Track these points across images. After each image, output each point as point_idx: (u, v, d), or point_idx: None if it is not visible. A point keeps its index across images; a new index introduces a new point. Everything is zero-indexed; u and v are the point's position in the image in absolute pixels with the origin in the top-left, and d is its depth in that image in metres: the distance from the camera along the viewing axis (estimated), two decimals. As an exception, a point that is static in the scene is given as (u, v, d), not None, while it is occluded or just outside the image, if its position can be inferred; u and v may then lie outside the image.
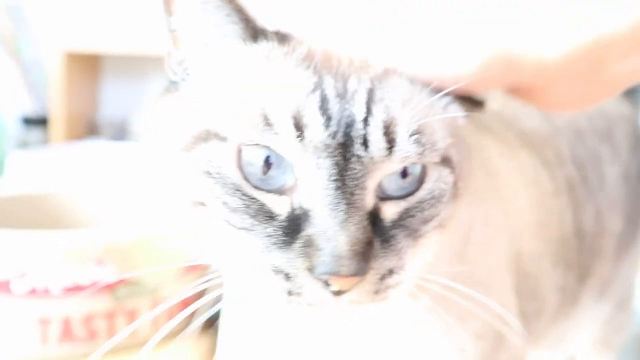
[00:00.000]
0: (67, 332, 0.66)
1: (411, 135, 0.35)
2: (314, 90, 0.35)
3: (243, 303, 0.61)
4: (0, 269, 0.65)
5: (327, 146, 0.35)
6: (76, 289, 0.66)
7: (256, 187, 0.36)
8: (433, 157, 0.37)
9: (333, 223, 0.34)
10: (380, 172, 0.36)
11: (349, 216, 0.34)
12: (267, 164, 0.35)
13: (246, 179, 0.36)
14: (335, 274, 0.33)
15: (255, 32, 0.39)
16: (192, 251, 0.52)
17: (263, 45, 0.39)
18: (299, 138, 0.34)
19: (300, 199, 0.36)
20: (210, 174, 0.36)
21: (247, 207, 0.36)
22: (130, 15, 1.95)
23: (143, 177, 1.28)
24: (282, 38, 0.39)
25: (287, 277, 0.35)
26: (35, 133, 2.03)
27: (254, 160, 0.36)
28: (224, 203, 0.36)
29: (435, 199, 0.38)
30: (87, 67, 2.09)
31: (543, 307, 0.51)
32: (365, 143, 0.35)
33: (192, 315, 0.75)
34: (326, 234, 0.34)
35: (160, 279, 0.71)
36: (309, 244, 0.34)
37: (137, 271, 0.69)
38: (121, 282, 0.68)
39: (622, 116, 0.66)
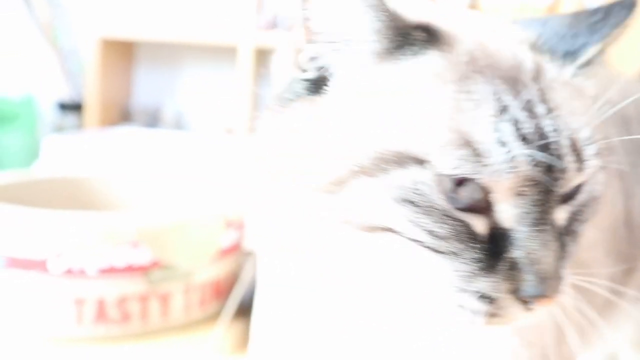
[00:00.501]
0: (101, 313, 0.67)
1: (590, 144, 0.35)
2: (503, 109, 0.34)
3: (280, 291, 0.60)
4: (37, 248, 0.65)
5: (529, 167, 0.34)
6: (111, 270, 0.66)
7: (457, 209, 0.34)
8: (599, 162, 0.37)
9: (537, 244, 0.34)
10: (570, 186, 0.36)
11: (550, 236, 0.34)
12: (459, 181, 0.34)
13: (449, 201, 0.34)
14: (542, 295, 0.34)
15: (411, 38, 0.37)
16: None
17: (429, 54, 0.36)
18: (501, 160, 0.33)
19: (498, 219, 0.35)
20: (410, 201, 0.34)
21: (455, 231, 0.34)
22: (165, 2, 1.96)
23: (177, 164, 1.28)
24: (435, 36, 0.37)
25: (490, 300, 0.34)
26: (70, 118, 2.06)
27: (451, 180, 0.34)
28: (429, 231, 0.34)
29: (594, 199, 0.38)
30: (122, 54, 2.11)
31: (592, 300, 0.49)
32: (560, 158, 0.34)
33: (225, 301, 0.75)
34: (531, 257, 0.34)
35: (193, 264, 0.71)
36: (513, 267, 0.34)
37: (171, 255, 0.70)
38: (155, 265, 0.68)
39: None
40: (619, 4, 0.41)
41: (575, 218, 0.37)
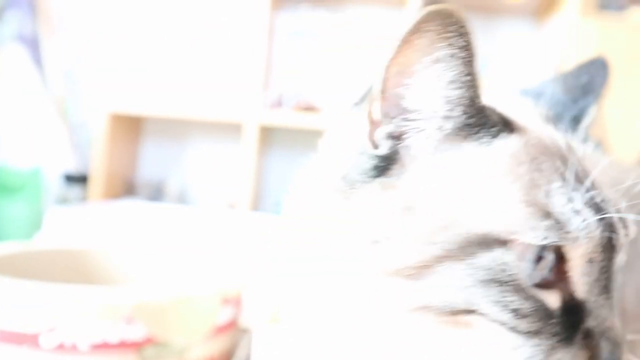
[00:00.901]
0: (91, 390, 0.65)
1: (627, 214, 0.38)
2: (567, 183, 0.37)
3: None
4: (30, 322, 0.65)
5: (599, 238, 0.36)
6: (104, 346, 0.65)
7: (535, 285, 0.36)
8: None
9: (607, 312, 0.36)
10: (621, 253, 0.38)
11: (614, 302, 0.37)
12: (538, 257, 0.36)
13: (530, 278, 0.36)
14: None
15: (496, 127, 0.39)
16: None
17: (507, 138, 0.38)
18: (580, 227, 0.36)
19: (572, 289, 0.37)
20: (496, 281, 0.35)
21: (535, 307, 0.35)
22: (173, 79, 2.01)
23: (179, 239, 1.29)
24: (509, 121, 0.39)
25: None
26: (75, 190, 2.07)
27: (532, 255, 0.36)
28: (513, 310, 0.35)
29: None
30: (130, 128, 2.15)
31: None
32: (615, 229, 0.37)
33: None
34: (604, 324, 0.35)
35: (188, 340, 0.70)
36: (588, 336, 0.35)
37: (165, 331, 0.68)
38: (149, 341, 0.67)
39: None
40: (594, 63, 0.43)
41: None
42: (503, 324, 0.35)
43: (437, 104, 0.37)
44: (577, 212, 0.35)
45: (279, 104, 1.92)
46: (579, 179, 0.37)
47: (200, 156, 2.19)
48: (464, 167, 0.37)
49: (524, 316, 0.35)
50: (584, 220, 0.35)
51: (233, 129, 2.03)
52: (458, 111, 0.37)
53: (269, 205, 1.95)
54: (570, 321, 0.35)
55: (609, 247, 0.36)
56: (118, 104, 1.98)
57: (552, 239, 0.35)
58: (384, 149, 0.38)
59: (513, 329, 0.35)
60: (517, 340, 0.35)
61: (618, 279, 0.38)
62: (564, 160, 0.37)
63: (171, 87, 2.02)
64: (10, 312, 0.65)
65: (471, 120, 0.37)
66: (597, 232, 0.35)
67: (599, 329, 0.35)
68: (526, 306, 0.35)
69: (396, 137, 0.38)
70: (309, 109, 1.87)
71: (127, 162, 2.17)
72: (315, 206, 0.41)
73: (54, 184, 2.11)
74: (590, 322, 0.35)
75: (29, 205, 1.91)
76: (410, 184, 0.37)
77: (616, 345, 0.35)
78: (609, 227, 0.36)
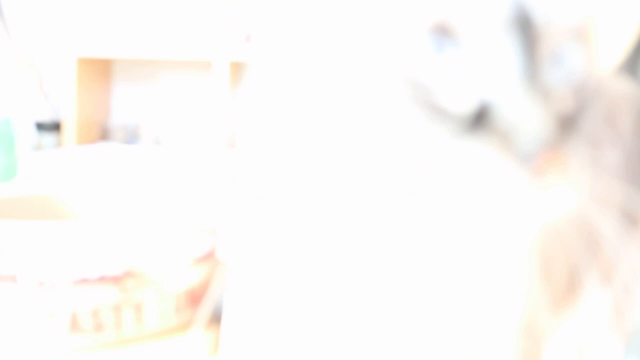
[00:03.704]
0: (74, 324, 0.66)
1: None
2: None
3: (249, 296, 0.61)
4: (7, 260, 0.65)
5: None
6: (83, 281, 0.66)
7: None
8: None
9: (530, 103, 0.31)
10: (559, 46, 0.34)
11: (542, 96, 0.32)
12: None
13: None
14: (543, 149, 0.31)
15: None
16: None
17: None
18: None
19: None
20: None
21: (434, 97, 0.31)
22: (141, 20, 1.97)
23: (156, 180, 1.29)
24: None
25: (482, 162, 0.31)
26: (49, 138, 2.05)
27: None
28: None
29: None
30: (99, 72, 2.11)
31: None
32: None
33: (199, 309, 0.75)
34: (524, 114, 0.31)
35: (167, 272, 0.72)
36: (501, 124, 0.31)
37: (144, 263, 0.70)
38: (128, 274, 0.68)
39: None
40: None
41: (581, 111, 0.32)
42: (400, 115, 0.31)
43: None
44: None
45: (248, 38, 1.89)
46: None
47: (173, 96, 2.17)
48: None
49: (418, 107, 0.30)
50: None
51: (204, 67, 2.00)
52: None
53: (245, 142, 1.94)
54: (482, 116, 0.30)
55: (524, 25, 0.30)
56: (86, 48, 1.94)
57: None
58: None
59: (411, 119, 0.31)
60: (414, 125, 0.31)
61: (548, 70, 0.31)
62: None
63: (138, 28, 1.97)
64: (-12, 254, 0.66)
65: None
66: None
67: (515, 118, 0.29)
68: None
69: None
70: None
71: (99, 107, 2.14)
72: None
73: (27, 133, 2.09)
74: (505, 116, 0.30)
75: (2, 154, 1.89)
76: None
77: (536, 136, 0.29)
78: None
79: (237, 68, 1.94)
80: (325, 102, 0.33)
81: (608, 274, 0.49)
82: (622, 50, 0.69)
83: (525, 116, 0.29)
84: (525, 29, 0.30)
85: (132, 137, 2.08)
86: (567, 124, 0.31)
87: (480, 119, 0.30)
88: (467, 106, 0.30)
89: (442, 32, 0.30)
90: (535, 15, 0.31)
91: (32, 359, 0.65)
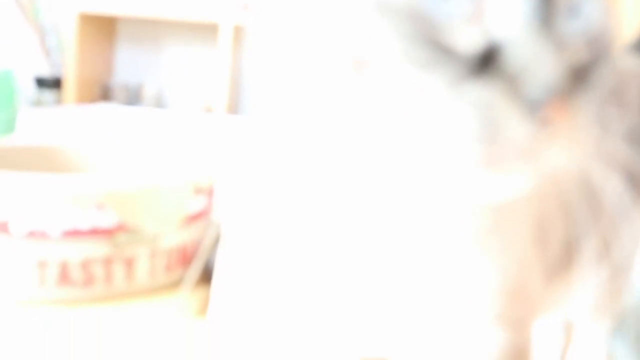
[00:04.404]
0: (64, 275, 0.66)
1: None
2: None
3: (240, 254, 0.60)
4: (-1, 209, 0.65)
5: None
6: (75, 233, 0.66)
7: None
8: None
9: (540, 52, 0.29)
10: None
11: (552, 44, 0.30)
12: None
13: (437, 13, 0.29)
14: (551, 98, 0.29)
15: None
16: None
17: None
18: None
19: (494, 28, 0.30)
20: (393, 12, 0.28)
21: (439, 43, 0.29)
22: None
23: (153, 139, 1.28)
24: None
25: (486, 108, 0.29)
26: (48, 94, 2.03)
27: None
28: (410, 40, 0.28)
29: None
30: (102, 30, 2.09)
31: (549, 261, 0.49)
32: None
33: (189, 268, 0.75)
34: (535, 62, 0.29)
35: (160, 229, 0.71)
36: (510, 69, 0.29)
37: (137, 219, 0.69)
38: (120, 228, 0.68)
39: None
40: None
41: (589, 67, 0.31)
42: (400, 57, 0.28)
43: None
44: None
45: (246, 7, 1.86)
46: None
47: (177, 59, 2.15)
48: None
49: (420, 46, 0.28)
50: None
51: (209, 30, 1.97)
52: None
53: (247, 107, 1.93)
54: (489, 59, 0.28)
55: None
56: (88, 4, 1.91)
57: None
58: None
59: (409, 61, 0.28)
60: (414, 72, 0.28)
61: (564, 21, 0.29)
62: None
63: (144, -14, 1.94)
64: (-21, 202, 0.65)
65: None
66: None
67: (525, 62, 0.27)
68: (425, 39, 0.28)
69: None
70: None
71: (101, 66, 2.12)
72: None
73: (26, 88, 2.07)
74: (514, 60, 0.28)
75: (1, 108, 1.87)
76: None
77: (546, 83, 0.27)
78: None
79: (241, 32, 1.92)
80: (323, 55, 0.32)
81: (607, 244, 0.48)
82: (636, 29, 0.67)
83: (536, 60, 0.27)
84: None
85: (133, 98, 2.06)
86: (579, 77, 0.30)
87: (487, 61, 0.28)
88: (475, 45, 0.28)
89: None
90: None
91: (20, 308, 0.65)
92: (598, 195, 0.33)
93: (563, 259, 0.47)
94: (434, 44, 0.28)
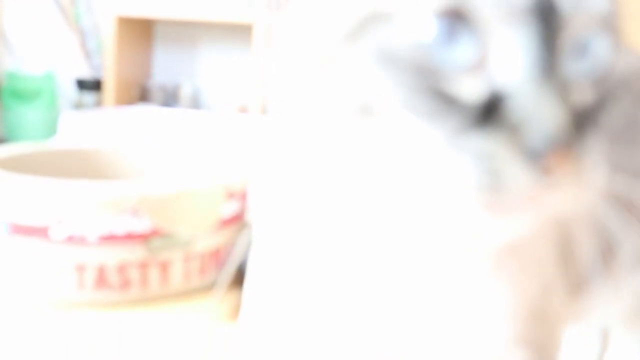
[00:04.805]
0: (101, 279, 0.68)
1: None
2: None
3: (271, 258, 0.61)
4: (39, 215, 0.67)
5: None
6: (111, 237, 0.67)
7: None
8: None
9: (546, 100, 0.30)
10: (581, 36, 0.32)
11: (559, 90, 0.30)
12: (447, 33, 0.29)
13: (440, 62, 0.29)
14: (555, 148, 0.29)
15: None
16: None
17: None
18: None
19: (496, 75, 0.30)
20: (397, 62, 0.28)
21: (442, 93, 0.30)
22: (183, -20, 1.96)
23: (190, 141, 1.29)
24: None
25: (489, 158, 0.29)
26: (89, 96, 2.08)
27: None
28: (414, 92, 0.29)
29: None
30: (140, 32, 2.12)
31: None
32: None
33: (221, 271, 0.76)
34: (538, 113, 0.29)
35: (194, 233, 0.72)
36: (514, 119, 0.30)
37: (171, 224, 0.70)
38: (155, 233, 0.69)
39: None
40: None
41: (601, 106, 0.30)
42: (403, 106, 0.28)
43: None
44: None
45: (287, 3, 1.87)
46: None
47: (213, 60, 2.17)
48: None
49: (423, 95, 0.28)
50: None
51: (244, 31, 1.99)
52: None
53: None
54: (492, 106, 0.28)
55: (546, 13, 0.28)
56: (126, 7, 1.94)
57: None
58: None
59: (411, 110, 0.28)
60: (417, 121, 0.28)
61: (569, 62, 0.29)
62: None
63: (180, -11, 1.97)
64: (22, 207, 0.67)
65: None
66: None
67: (526, 112, 0.27)
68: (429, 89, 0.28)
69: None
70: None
71: (139, 68, 2.16)
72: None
73: (67, 89, 2.12)
74: (517, 110, 0.27)
75: (44, 110, 1.93)
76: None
77: (551, 135, 0.27)
78: None
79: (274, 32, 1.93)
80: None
81: (617, 282, 0.47)
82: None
83: (539, 110, 0.27)
84: (548, 16, 0.28)
85: (170, 99, 2.09)
86: (586, 117, 0.29)
87: (490, 111, 0.28)
88: (477, 95, 0.28)
89: (455, 16, 0.28)
90: (559, 3, 0.28)
91: (60, 310, 0.67)
92: (608, 232, 0.33)
93: (590, 273, 0.46)
94: (436, 94, 0.28)
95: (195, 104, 2.15)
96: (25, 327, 0.62)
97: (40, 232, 0.67)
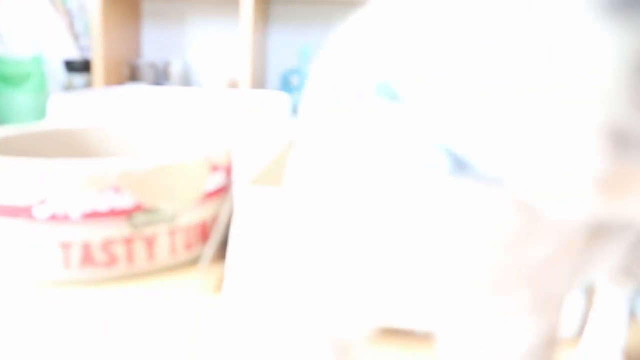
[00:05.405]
0: (87, 256, 0.68)
1: None
2: None
3: (253, 232, 0.61)
4: (22, 195, 0.67)
5: None
6: (94, 215, 0.67)
7: None
8: None
9: None
10: None
11: None
12: None
13: None
14: None
15: None
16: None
17: None
18: None
19: None
20: None
21: None
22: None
23: (179, 118, 1.29)
24: None
25: None
26: (78, 78, 2.07)
27: None
28: None
29: None
30: (127, 11, 2.10)
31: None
32: None
33: (205, 245, 0.76)
34: None
35: (178, 207, 0.72)
36: None
37: (154, 199, 0.70)
38: (138, 209, 0.69)
39: None
40: None
41: None
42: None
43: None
44: None
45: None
46: None
47: (202, 35, 2.15)
48: None
49: None
50: None
51: (232, 6, 1.97)
52: None
53: (272, 82, 1.92)
54: None
55: None
56: (112, -15, 1.92)
57: None
58: None
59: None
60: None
61: None
62: None
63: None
64: (4, 188, 0.67)
65: None
66: None
67: None
68: None
69: None
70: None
71: (128, 46, 2.14)
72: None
73: (56, 72, 2.11)
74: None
75: (33, 93, 1.92)
76: None
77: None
78: None
79: (264, 6, 1.91)
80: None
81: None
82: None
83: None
84: None
85: (161, 77, 2.08)
86: None
87: None
88: None
89: None
90: None
91: (47, 291, 0.67)
92: None
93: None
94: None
95: (186, 81, 2.13)
96: (13, 308, 0.63)
97: (24, 212, 0.67)
